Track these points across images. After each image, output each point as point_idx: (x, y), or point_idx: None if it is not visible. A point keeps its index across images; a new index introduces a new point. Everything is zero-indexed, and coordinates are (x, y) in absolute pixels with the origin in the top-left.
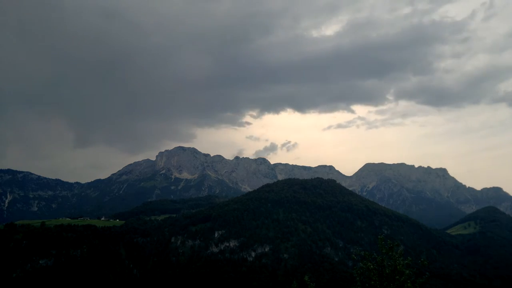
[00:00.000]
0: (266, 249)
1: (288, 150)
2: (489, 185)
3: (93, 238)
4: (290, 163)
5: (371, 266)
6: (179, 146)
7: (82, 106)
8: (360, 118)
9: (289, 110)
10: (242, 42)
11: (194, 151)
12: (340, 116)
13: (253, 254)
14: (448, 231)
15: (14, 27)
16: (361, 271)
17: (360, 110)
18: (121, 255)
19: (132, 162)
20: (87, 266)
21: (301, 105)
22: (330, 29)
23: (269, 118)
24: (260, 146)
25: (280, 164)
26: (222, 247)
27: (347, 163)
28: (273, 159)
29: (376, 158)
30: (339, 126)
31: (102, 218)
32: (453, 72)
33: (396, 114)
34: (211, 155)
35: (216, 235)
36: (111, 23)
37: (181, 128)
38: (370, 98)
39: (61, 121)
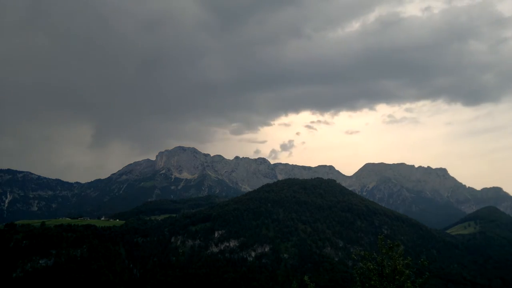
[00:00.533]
0: (266, 249)
1: (303, 150)
2: (489, 185)
3: (93, 238)
4: (290, 163)
5: (371, 266)
6: (179, 146)
7: (105, 108)
8: (384, 117)
9: (310, 110)
10: (268, 44)
11: (194, 151)
12: (363, 116)
13: (253, 254)
14: (448, 231)
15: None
16: (361, 271)
17: (385, 109)
18: (121, 255)
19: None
20: (87, 266)
21: (322, 105)
22: (359, 27)
23: (290, 118)
24: (276, 146)
25: (280, 164)
26: (222, 247)
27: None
28: (288, 160)
29: (401, 157)
30: (361, 125)
31: (102, 218)
32: (486, 70)
33: (423, 113)
34: (211, 155)
35: (216, 235)
36: (144, 31)
37: (197, 129)
38: (394, 97)
39: (84, 124)
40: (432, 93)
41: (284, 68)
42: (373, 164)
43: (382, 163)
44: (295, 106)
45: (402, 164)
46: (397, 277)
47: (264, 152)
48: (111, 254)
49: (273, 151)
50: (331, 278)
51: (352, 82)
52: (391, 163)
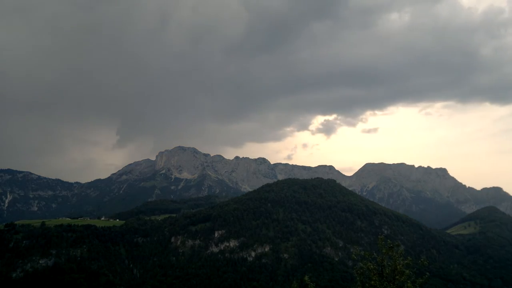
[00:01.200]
0: (266, 249)
1: (319, 151)
2: (489, 185)
3: (93, 238)
4: (290, 163)
5: (371, 266)
6: (179, 146)
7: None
8: (408, 117)
9: (336, 112)
10: (304, 52)
11: (194, 150)
12: (388, 116)
13: (253, 254)
14: (448, 231)
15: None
16: (361, 271)
17: (410, 110)
18: (121, 255)
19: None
20: (87, 266)
21: (349, 107)
22: (393, 28)
23: (314, 120)
24: (299, 146)
25: (280, 164)
26: (222, 247)
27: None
28: (307, 160)
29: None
30: (385, 126)
31: (102, 218)
32: None
33: (458, 110)
34: (211, 155)
35: (216, 235)
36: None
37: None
38: (423, 97)
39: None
40: (464, 92)
41: (315, 70)
42: (373, 164)
43: (382, 163)
44: (322, 107)
45: (402, 164)
46: (397, 277)
47: (285, 152)
48: (111, 254)
49: (294, 148)
50: (331, 278)
51: (383, 82)
52: (391, 163)
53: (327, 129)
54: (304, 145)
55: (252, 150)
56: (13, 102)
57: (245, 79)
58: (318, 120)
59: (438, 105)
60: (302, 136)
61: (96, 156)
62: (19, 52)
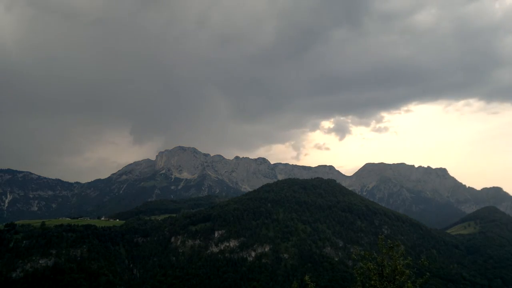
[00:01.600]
0: (266, 249)
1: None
2: (489, 185)
3: (93, 238)
4: (290, 163)
5: (371, 266)
6: (179, 146)
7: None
8: (423, 118)
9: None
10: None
11: (194, 150)
12: (403, 116)
13: (253, 254)
14: (448, 231)
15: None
16: (361, 271)
17: (424, 110)
18: (121, 255)
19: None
20: (87, 266)
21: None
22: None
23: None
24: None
25: (280, 164)
26: (222, 247)
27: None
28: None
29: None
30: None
31: (102, 218)
32: None
33: (480, 110)
34: (211, 155)
35: (216, 235)
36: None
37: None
38: (439, 96)
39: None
40: (486, 92)
41: (333, 73)
42: (373, 164)
43: (382, 163)
44: (339, 108)
45: (402, 164)
46: (397, 277)
47: (300, 152)
48: (111, 254)
49: (306, 148)
50: (331, 278)
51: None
52: (391, 163)
53: (341, 129)
54: (317, 145)
55: (264, 150)
56: (16, 102)
57: (265, 83)
58: (333, 120)
59: (459, 104)
60: (315, 137)
61: (109, 156)
62: (41, 54)
